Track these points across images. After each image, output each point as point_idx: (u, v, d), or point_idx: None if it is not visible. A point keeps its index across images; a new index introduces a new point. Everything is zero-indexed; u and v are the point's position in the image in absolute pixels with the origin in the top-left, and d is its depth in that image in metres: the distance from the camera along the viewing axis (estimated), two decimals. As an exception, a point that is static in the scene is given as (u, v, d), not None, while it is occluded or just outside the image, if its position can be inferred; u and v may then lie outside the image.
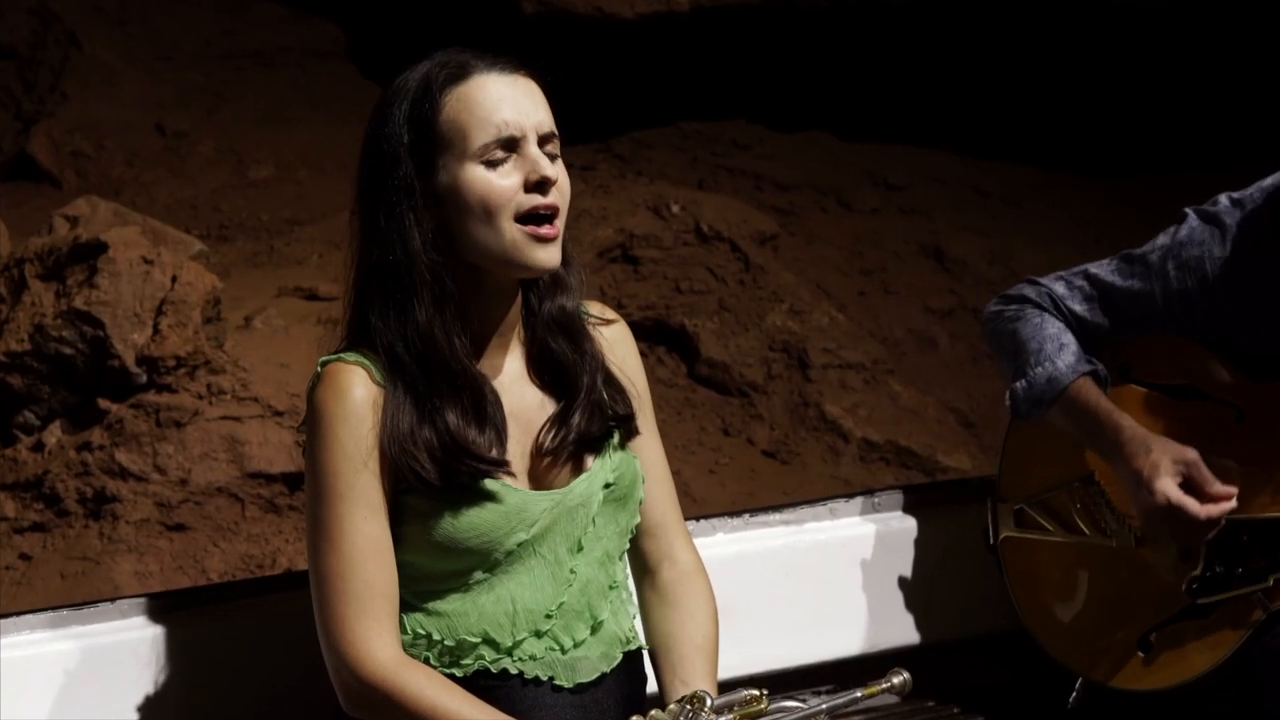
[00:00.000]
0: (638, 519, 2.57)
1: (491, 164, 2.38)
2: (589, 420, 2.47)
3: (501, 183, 2.37)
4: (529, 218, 2.38)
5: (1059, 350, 2.97)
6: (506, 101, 2.39)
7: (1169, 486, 2.81)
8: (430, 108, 2.38)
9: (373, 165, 2.42)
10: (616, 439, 2.52)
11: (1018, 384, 2.99)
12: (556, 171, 2.41)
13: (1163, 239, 2.97)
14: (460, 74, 2.40)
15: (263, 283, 6.08)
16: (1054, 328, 3.00)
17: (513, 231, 2.37)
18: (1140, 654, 2.93)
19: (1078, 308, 3.02)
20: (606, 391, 2.53)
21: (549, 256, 2.40)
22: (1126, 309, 2.99)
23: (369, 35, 7.99)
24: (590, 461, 2.49)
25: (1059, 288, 3.04)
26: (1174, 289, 2.93)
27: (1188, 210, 2.97)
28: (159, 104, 7.48)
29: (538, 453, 2.46)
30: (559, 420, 2.47)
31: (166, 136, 7.34)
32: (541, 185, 2.38)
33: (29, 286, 4.83)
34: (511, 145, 2.38)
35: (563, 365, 2.50)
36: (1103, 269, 3.03)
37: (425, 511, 2.38)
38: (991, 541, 3.14)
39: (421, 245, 2.38)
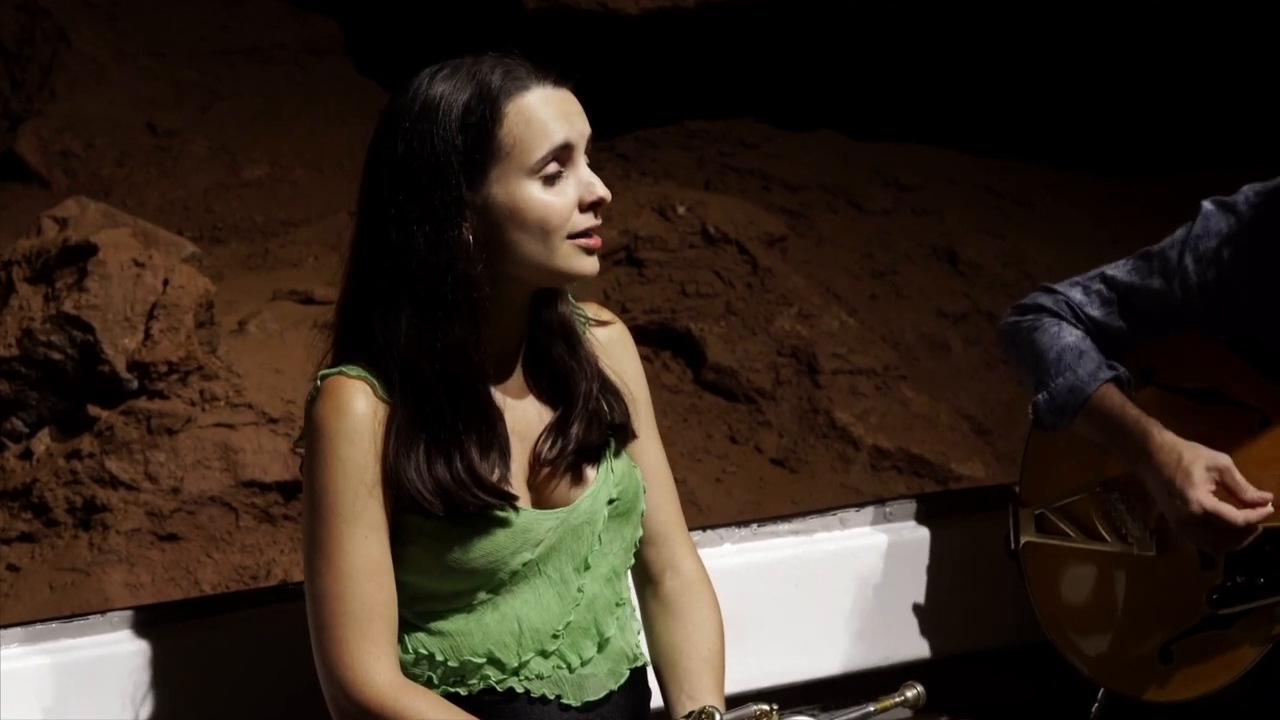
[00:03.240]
0: (640, 532, 2.57)
1: (548, 180, 2.38)
2: (587, 429, 2.47)
3: (559, 202, 2.39)
4: (580, 234, 2.40)
5: (1079, 358, 2.96)
6: (562, 114, 2.40)
7: (1203, 494, 2.80)
8: (490, 116, 2.36)
9: (409, 170, 2.37)
10: (614, 446, 2.52)
11: (1039, 396, 2.99)
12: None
13: (1180, 232, 2.97)
14: (522, 84, 2.39)
15: (257, 286, 6.07)
16: (1072, 336, 2.99)
17: (564, 246, 2.39)
18: (1161, 664, 2.93)
19: (1096, 313, 3.02)
20: (603, 398, 2.53)
21: (594, 265, 2.44)
22: (1146, 309, 2.99)
23: (367, 32, 7.98)
24: (589, 472, 2.48)
25: (1075, 294, 3.04)
26: (1193, 283, 2.92)
27: (1205, 202, 2.96)
28: (150, 102, 7.47)
29: (536, 464, 2.46)
30: (557, 430, 2.46)
31: (158, 135, 7.33)
32: (597, 206, 2.41)
33: (16, 290, 4.83)
34: (565, 156, 2.39)
35: (561, 373, 2.49)
36: (1119, 269, 3.03)
37: (428, 532, 2.37)
38: (1013, 547, 3.15)
39: (468, 259, 2.36)
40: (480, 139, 2.37)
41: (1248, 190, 2.93)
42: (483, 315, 2.38)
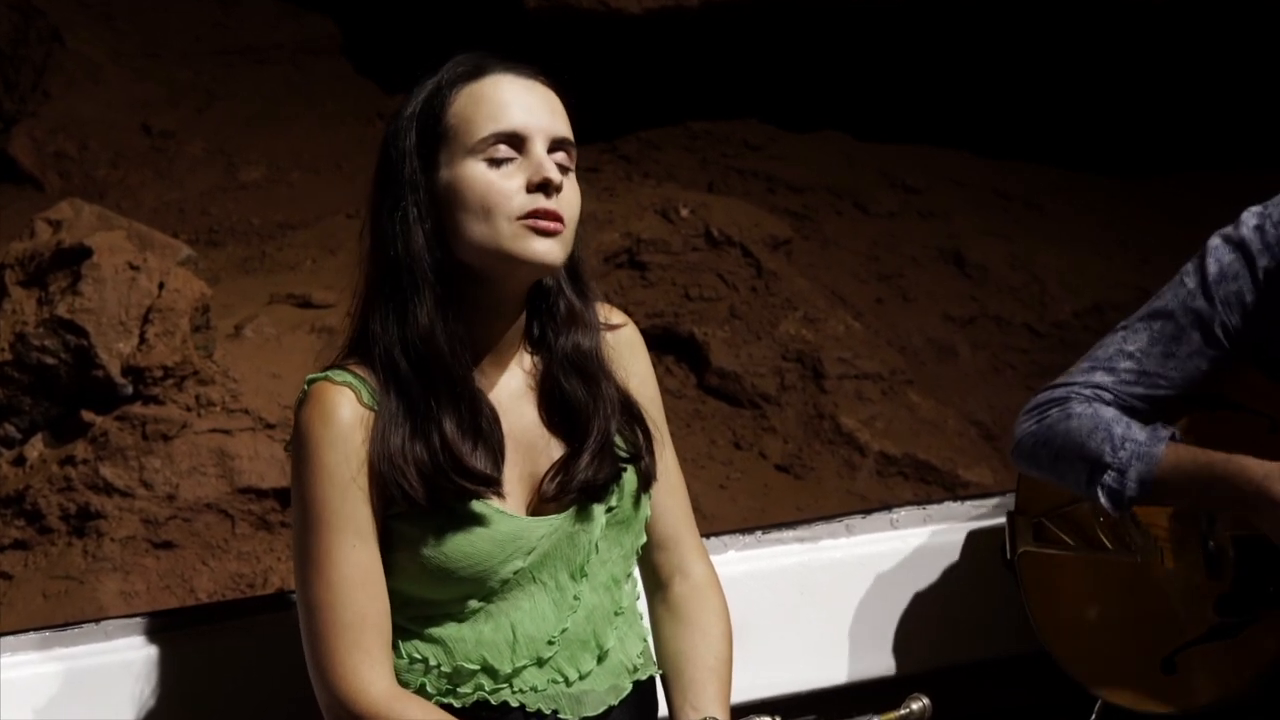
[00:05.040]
0: (643, 539, 2.57)
1: (495, 162, 2.37)
2: (596, 468, 2.46)
3: (503, 182, 2.37)
4: (528, 215, 2.38)
5: (1128, 428, 2.85)
6: (518, 102, 2.40)
7: None
8: (439, 103, 2.40)
9: (382, 165, 2.43)
10: (630, 483, 2.50)
11: (1106, 476, 2.85)
12: (564, 180, 2.40)
13: (1190, 281, 2.89)
14: (474, 72, 2.42)
15: (254, 289, 6.08)
16: (1109, 412, 2.88)
17: (510, 227, 2.36)
18: (1163, 675, 2.93)
19: (1136, 389, 2.91)
20: (621, 423, 2.51)
21: (549, 250, 2.38)
22: (1191, 367, 2.89)
23: (365, 31, 7.99)
24: (594, 507, 2.47)
25: (1099, 378, 2.93)
26: (1231, 323, 2.83)
27: (1210, 241, 2.90)
28: (145, 102, 7.49)
29: (539, 492, 2.45)
30: (564, 466, 2.45)
31: (153, 136, 7.34)
32: (544, 187, 2.37)
33: (9, 294, 4.83)
34: (517, 143, 2.38)
35: (574, 407, 2.48)
36: (1140, 339, 2.92)
37: (415, 538, 2.37)
38: (1009, 556, 3.14)
39: (424, 244, 2.38)
40: (430, 125, 2.40)
41: (1249, 218, 2.89)
42: (449, 302, 2.39)
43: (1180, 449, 2.83)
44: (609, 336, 2.59)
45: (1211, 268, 2.86)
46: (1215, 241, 2.88)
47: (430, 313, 2.38)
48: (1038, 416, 2.96)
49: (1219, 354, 2.88)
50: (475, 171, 2.37)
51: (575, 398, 2.48)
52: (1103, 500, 2.87)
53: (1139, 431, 2.85)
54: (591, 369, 2.51)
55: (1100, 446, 2.85)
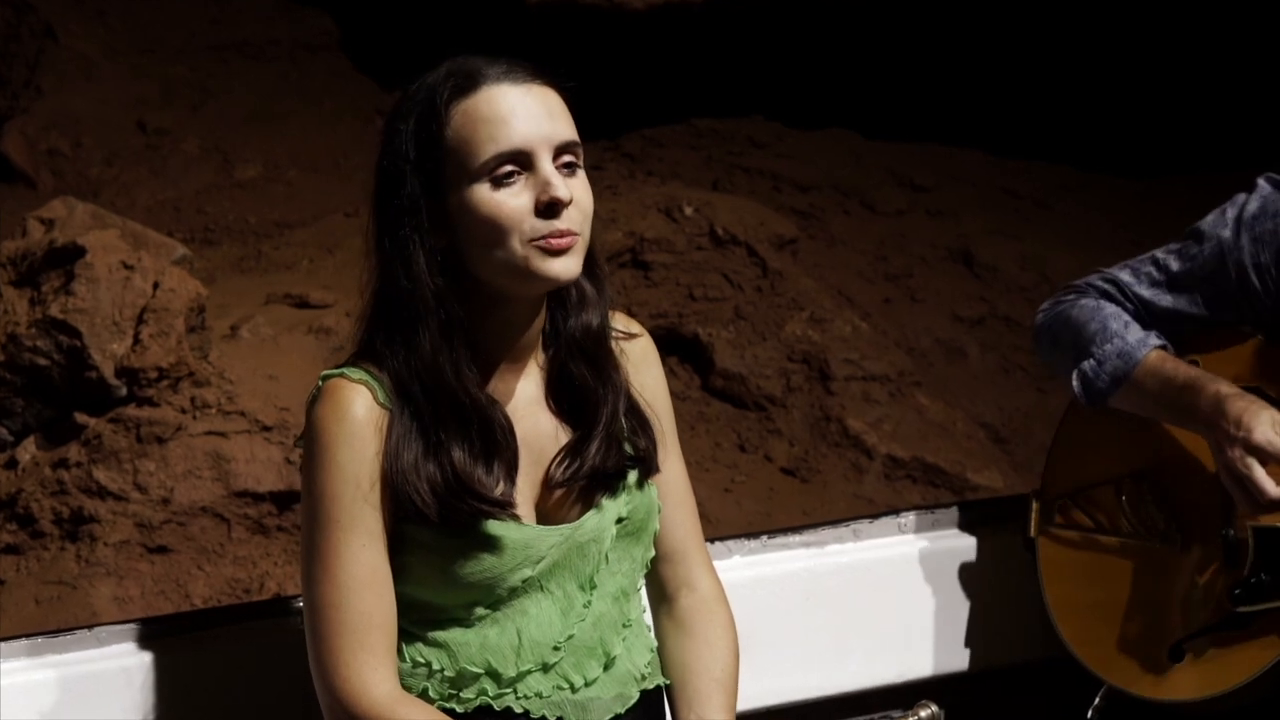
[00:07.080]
0: (653, 552, 2.56)
1: (500, 182, 2.35)
2: (605, 454, 2.45)
3: (511, 203, 2.34)
4: (539, 239, 2.36)
5: (1125, 327, 2.97)
6: (517, 114, 2.36)
7: (1269, 433, 2.78)
8: (436, 124, 2.36)
9: (381, 182, 2.40)
10: (633, 478, 2.51)
11: (1085, 364, 2.98)
12: (573, 188, 2.37)
13: (1231, 210, 2.96)
14: (468, 86, 2.37)
15: (250, 289, 6.08)
16: (1111, 308, 3.01)
17: (523, 249, 2.34)
18: (1170, 662, 2.93)
19: (1144, 292, 3.02)
20: (627, 422, 2.51)
21: (565, 267, 2.37)
22: (1198, 289, 2.98)
23: (363, 27, 8.00)
24: (602, 499, 2.47)
25: (1123, 275, 3.04)
26: (1248, 264, 2.90)
27: (1259, 179, 2.94)
28: (140, 100, 7.49)
29: (547, 484, 2.45)
30: (572, 451, 2.45)
31: (148, 134, 7.35)
32: (552, 208, 2.34)
33: (1, 294, 4.83)
34: (522, 161, 2.35)
35: (581, 391, 2.47)
36: (1170, 252, 3.03)
37: (425, 543, 2.37)
38: (1029, 535, 3.15)
39: (427, 269, 2.35)
40: (430, 147, 2.37)
41: None
42: (455, 327, 2.37)
43: (1165, 357, 2.95)
44: (624, 345, 2.58)
45: (1254, 204, 2.92)
46: (1261, 181, 2.93)
47: (435, 340, 2.36)
48: (1055, 299, 3.10)
49: (1226, 288, 2.94)
50: (482, 196, 2.35)
51: (583, 382, 2.48)
52: (1075, 386, 3.00)
53: (1133, 332, 2.97)
54: (599, 353, 2.50)
55: (1091, 336, 2.98)
